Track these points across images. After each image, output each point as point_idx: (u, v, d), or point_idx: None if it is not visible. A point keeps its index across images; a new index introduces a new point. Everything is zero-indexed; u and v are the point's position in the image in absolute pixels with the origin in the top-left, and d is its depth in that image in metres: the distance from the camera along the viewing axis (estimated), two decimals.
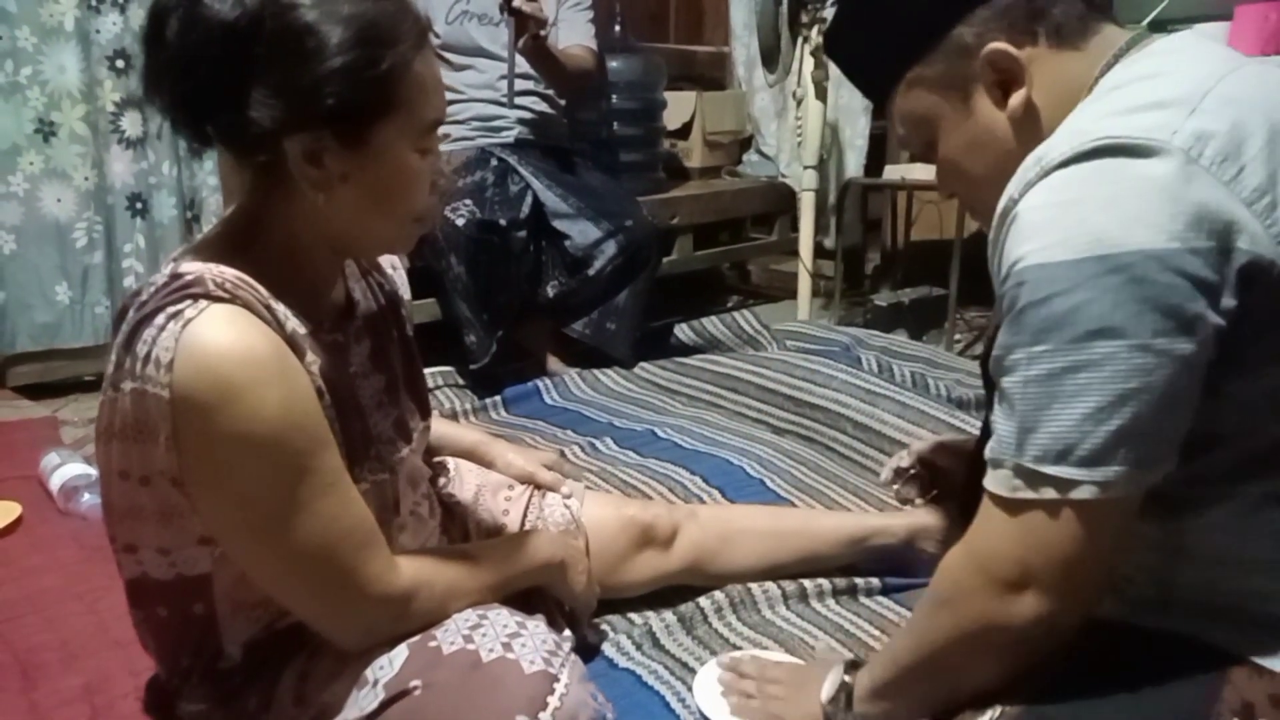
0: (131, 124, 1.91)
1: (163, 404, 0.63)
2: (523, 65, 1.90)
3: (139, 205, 1.94)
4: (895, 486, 1.16)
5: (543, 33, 1.81)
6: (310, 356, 0.70)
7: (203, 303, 0.64)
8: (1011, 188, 0.62)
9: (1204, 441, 0.61)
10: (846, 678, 0.77)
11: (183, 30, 0.64)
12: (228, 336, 0.63)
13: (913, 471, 1.14)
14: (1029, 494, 0.60)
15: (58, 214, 1.86)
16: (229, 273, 0.67)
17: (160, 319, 0.63)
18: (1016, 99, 0.69)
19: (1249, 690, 0.59)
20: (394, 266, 0.93)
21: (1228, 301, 0.56)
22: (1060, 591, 0.61)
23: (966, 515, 0.82)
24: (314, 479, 0.67)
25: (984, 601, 0.64)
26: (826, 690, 0.78)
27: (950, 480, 1.09)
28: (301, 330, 0.71)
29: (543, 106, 2.07)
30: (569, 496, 1.07)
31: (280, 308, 0.69)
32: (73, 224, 1.87)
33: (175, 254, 0.73)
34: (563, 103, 2.12)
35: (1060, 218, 0.58)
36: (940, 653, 0.69)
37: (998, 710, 0.67)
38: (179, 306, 0.63)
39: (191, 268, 0.67)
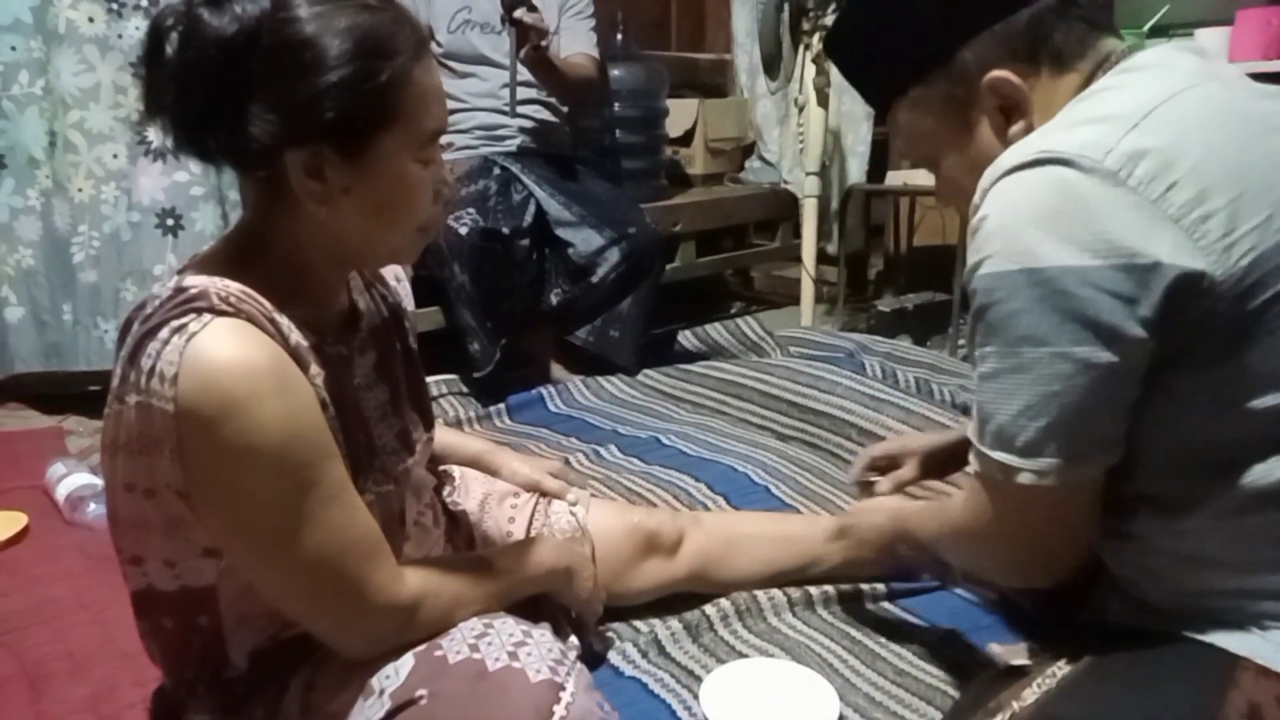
0: (158, 134, 1.86)
1: (167, 418, 0.63)
2: (525, 74, 1.91)
3: (169, 222, 1.85)
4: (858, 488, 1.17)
5: (544, 43, 1.81)
6: (314, 369, 0.70)
7: (206, 316, 0.64)
8: (976, 195, 0.66)
9: (1175, 441, 0.64)
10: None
11: (181, 47, 0.64)
12: (231, 350, 0.63)
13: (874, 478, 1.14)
14: (983, 472, 0.69)
15: (62, 229, 1.81)
16: (233, 286, 0.67)
17: (164, 333, 0.63)
18: (1017, 129, 0.70)
19: (1255, 692, 0.59)
20: (398, 278, 0.93)
21: (1149, 313, 0.59)
22: (1013, 565, 0.72)
23: None
24: (319, 490, 0.67)
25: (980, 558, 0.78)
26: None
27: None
28: (305, 343, 0.71)
29: (545, 115, 2.07)
30: (575, 504, 1.07)
31: (284, 320, 0.69)
32: (68, 240, 1.81)
33: (179, 268, 0.73)
34: (565, 110, 2.13)
35: (1001, 229, 0.63)
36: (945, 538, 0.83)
37: (1008, 713, 0.67)
38: (183, 320, 0.64)
39: (195, 281, 0.67)
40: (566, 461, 1.57)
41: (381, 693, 0.68)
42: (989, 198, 0.64)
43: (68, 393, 1.86)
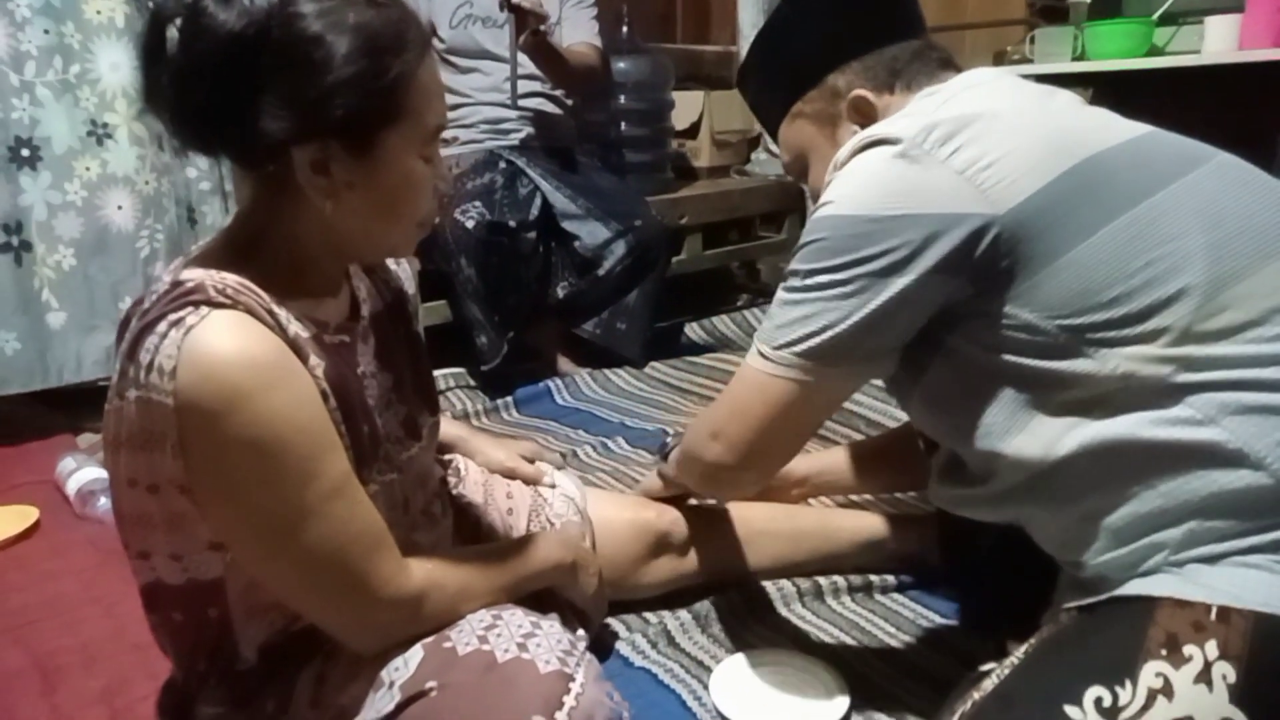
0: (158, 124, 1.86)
1: (167, 412, 0.63)
2: (529, 66, 1.90)
3: (189, 214, 1.85)
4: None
5: (543, 28, 1.79)
6: (314, 360, 0.70)
7: (204, 309, 0.63)
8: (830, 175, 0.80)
9: (1003, 400, 0.72)
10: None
11: (187, 41, 0.64)
12: (230, 342, 0.63)
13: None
14: (747, 360, 0.81)
15: (120, 223, 1.74)
16: (230, 278, 0.67)
17: (162, 326, 0.63)
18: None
19: (1172, 623, 0.64)
20: (398, 262, 0.93)
21: (936, 256, 0.70)
22: (738, 450, 0.83)
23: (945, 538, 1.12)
24: (321, 483, 0.67)
25: (694, 442, 0.89)
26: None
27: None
28: (305, 334, 0.70)
29: (549, 107, 2.06)
30: (553, 486, 1.07)
31: (282, 312, 0.69)
32: (136, 233, 1.75)
33: (176, 262, 0.73)
34: (570, 103, 2.12)
35: (836, 188, 0.76)
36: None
37: (969, 703, 0.72)
38: (180, 314, 0.63)
39: (192, 274, 0.66)
40: (574, 453, 1.57)
41: (391, 685, 0.68)
42: (840, 172, 0.78)
43: (76, 388, 1.86)
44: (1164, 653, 0.63)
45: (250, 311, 0.65)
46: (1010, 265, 0.69)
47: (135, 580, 0.76)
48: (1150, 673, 0.63)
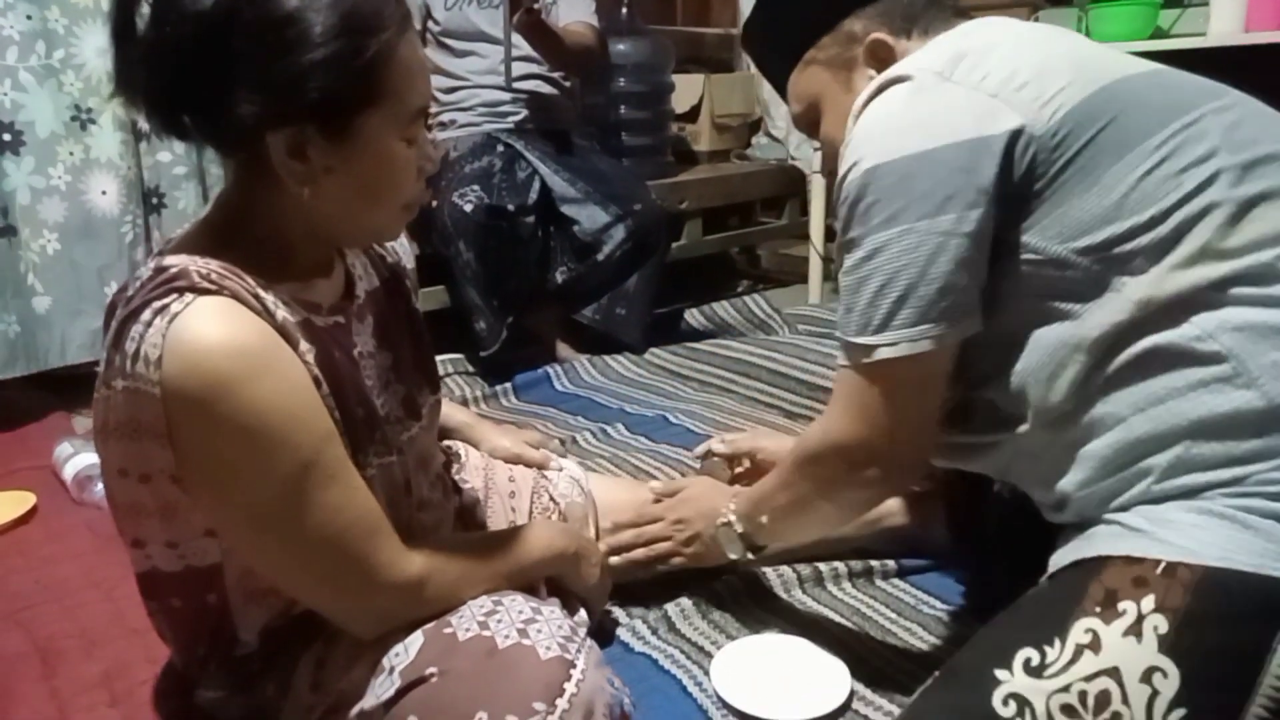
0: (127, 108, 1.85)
1: (154, 402, 0.62)
2: (526, 48, 1.88)
3: (153, 200, 1.84)
4: (700, 462, 1.24)
5: (537, 6, 1.77)
6: (304, 345, 0.68)
7: (188, 296, 0.62)
8: (848, 128, 0.77)
9: (1032, 314, 0.71)
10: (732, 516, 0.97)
11: (156, 21, 0.62)
12: (216, 330, 0.61)
13: (716, 458, 1.21)
14: (848, 362, 0.76)
15: (104, 207, 1.73)
16: (215, 263, 0.65)
17: (146, 314, 0.62)
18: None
19: (1115, 579, 0.64)
20: None
21: (984, 179, 0.68)
22: (888, 460, 0.79)
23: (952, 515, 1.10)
24: (316, 470, 0.66)
25: (838, 474, 0.82)
26: (725, 513, 0.97)
27: (764, 468, 1.15)
28: (294, 318, 0.69)
29: (547, 90, 2.04)
30: (560, 470, 1.07)
31: (270, 297, 0.67)
32: (120, 218, 1.74)
33: (159, 248, 0.71)
34: (568, 85, 2.10)
35: (860, 140, 0.74)
36: (803, 501, 0.88)
37: (943, 670, 0.74)
38: (164, 301, 0.62)
39: (175, 260, 0.65)
40: (573, 440, 1.57)
41: (392, 670, 0.68)
42: (854, 125, 0.76)
43: (73, 374, 1.85)
44: (1098, 610, 0.63)
45: (236, 297, 0.64)
46: (1043, 187, 0.69)
47: (132, 568, 0.76)
48: (1080, 629, 0.63)
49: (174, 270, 0.64)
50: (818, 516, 0.90)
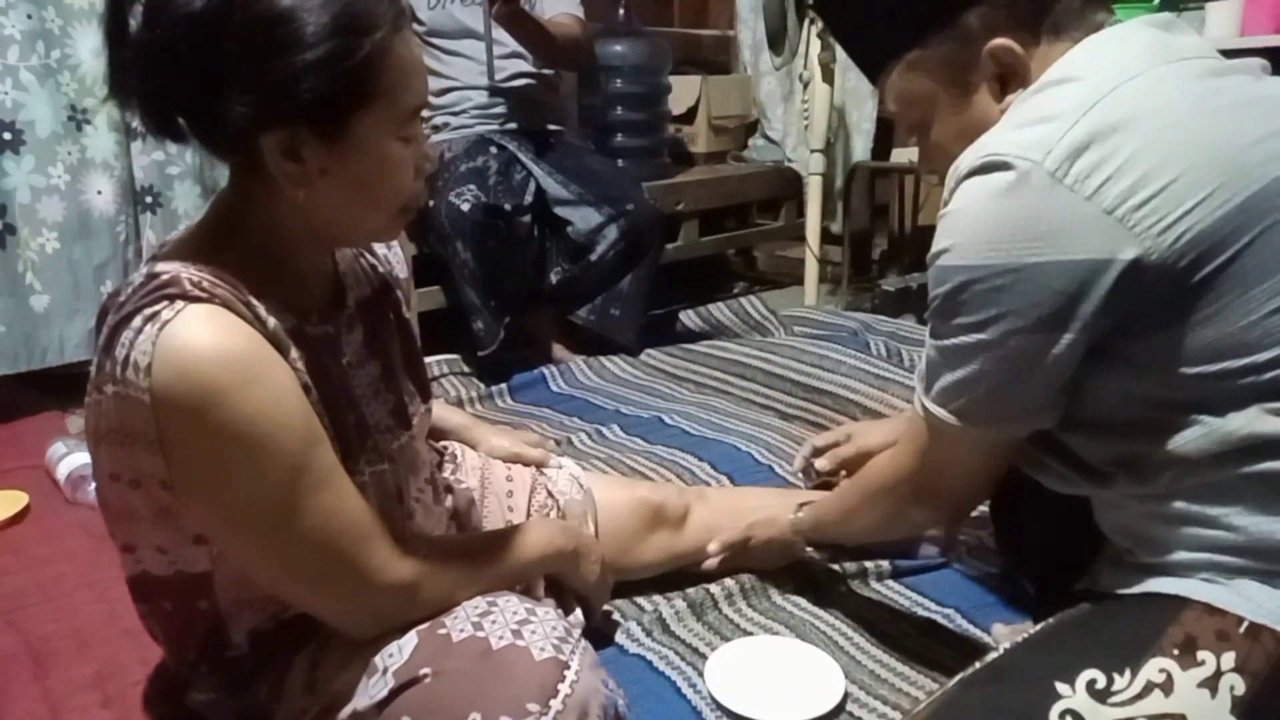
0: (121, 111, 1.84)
1: (144, 409, 0.61)
2: (513, 44, 1.87)
3: (148, 200, 1.85)
4: (803, 478, 1.24)
5: None
6: (294, 353, 0.68)
7: (179, 303, 0.62)
8: (948, 181, 0.69)
9: (1134, 404, 0.66)
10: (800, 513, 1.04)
11: (147, 23, 0.62)
12: (206, 337, 0.61)
13: (817, 461, 1.20)
14: (923, 416, 0.75)
15: (100, 207, 1.74)
16: (206, 271, 0.65)
17: (137, 321, 0.61)
18: (1013, 97, 0.70)
19: (1195, 626, 0.62)
20: (389, 246, 0.91)
21: (1087, 305, 0.62)
22: (936, 501, 0.82)
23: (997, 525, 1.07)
24: (306, 476, 0.65)
25: (897, 503, 0.85)
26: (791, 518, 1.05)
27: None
28: (285, 326, 0.69)
29: (537, 88, 2.02)
30: (560, 468, 1.07)
31: (261, 305, 0.67)
32: (116, 218, 1.75)
33: (152, 254, 0.71)
34: (558, 82, 2.08)
35: (955, 228, 0.67)
36: (863, 528, 0.95)
37: (970, 671, 0.71)
38: (155, 308, 0.61)
39: (168, 267, 0.64)
40: (569, 441, 1.57)
41: (385, 671, 0.68)
42: (954, 195, 0.67)
43: (67, 373, 1.84)
44: (1176, 652, 0.61)
45: (227, 305, 0.63)
46: (1156, 310, 0.62)
47: (123, 572, 0.75)
48: (1154, 667, 0.62)
49: (166, 277, 0.64)
50: (869, 534, 1.01)
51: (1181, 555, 0.66)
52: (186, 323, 0.61)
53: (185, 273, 0.64)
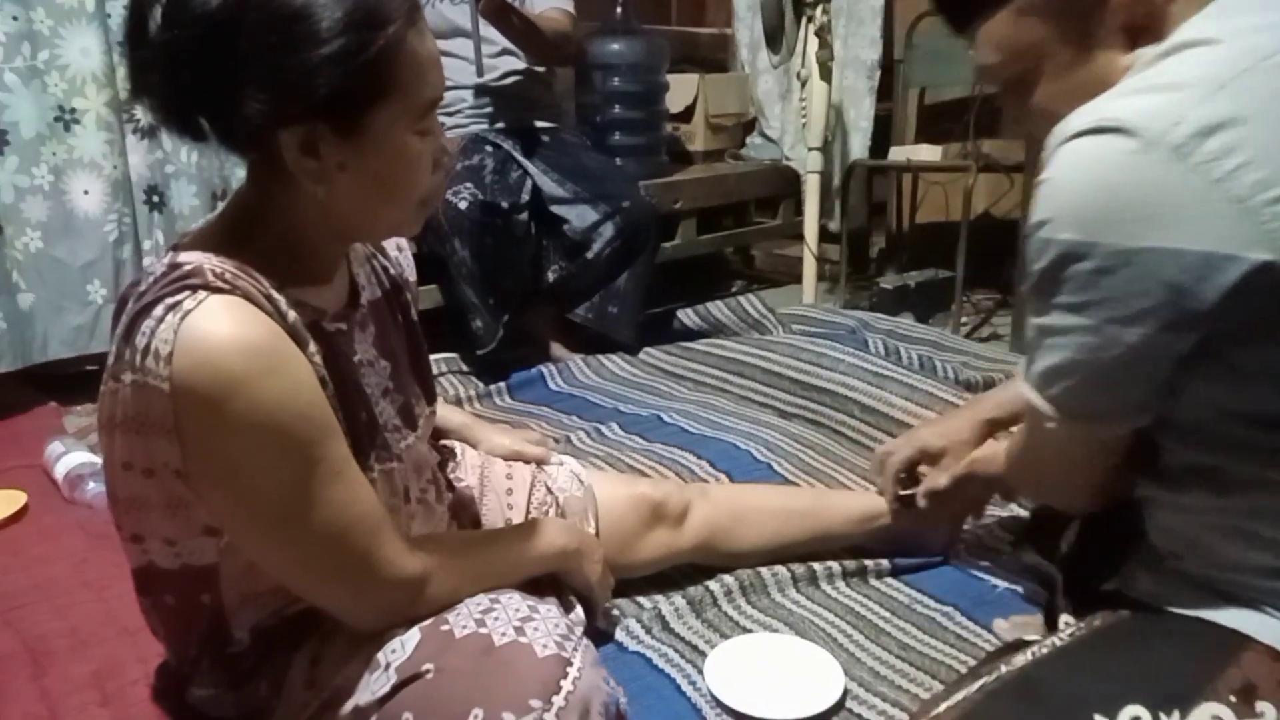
0: (145, 111, 1.82)
1: (163, 397, 0.62)
2: (503, 41, 1.87)
3: (155, 198, 1.85)
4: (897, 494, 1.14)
5: None
6: (312, 347, 0.69)
7: (201, 294, 0.62)
8: (1047, 148, 0.61)
9: (1233, 416, 0.60)
10: None
11: (165, 23, 0.62)
12: (227, 328, 0.62)
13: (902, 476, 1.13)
14: (1028, 402, 0.70)
15: (87, 207, 1.74)
16: (229, 263, 0.66)
17: (159, 310, 0.62)
18: (1144, 53, 0.61)
19: (1256, 671, 0.58)
20: (399, 249, 0.92)
21: (1201, 304, 0.55)
22: (1040, 489, 0.81)
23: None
24: (322, 468, 0.66)
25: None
26: None
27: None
28: (303, 320, 0.69)
29: (529, 85, 2.02)
30: (560, 464, 1.07)
31: (281, 298, 0.67)
32: (104, 217, 1.75)
33: (174, 243, 0.71)
34: (550, 75, 2.08)
35: (1057, 196, 0.59)
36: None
37: (994, 675, 0.67)
38: (177, 298, 0.62)
39: (190, 258, 0.65)
40: (568, 439, 1.57)
41: (387, 666, 0.68)
42: (1054, 159, 0.60)
43: (65, 373, 1.84)
44: (1232, 700, 0.57)
45: (248, 297, 0.64)
46: (1277, 321, 0.56)
47: (128, 563, 0.75)
48: (1207, 711, 0.57)
49: (189, 267, 0.64)
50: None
51: (1248, 579, 0.62)
52: (209, 313, 0.62)
53: (208, 264, 0.65)
